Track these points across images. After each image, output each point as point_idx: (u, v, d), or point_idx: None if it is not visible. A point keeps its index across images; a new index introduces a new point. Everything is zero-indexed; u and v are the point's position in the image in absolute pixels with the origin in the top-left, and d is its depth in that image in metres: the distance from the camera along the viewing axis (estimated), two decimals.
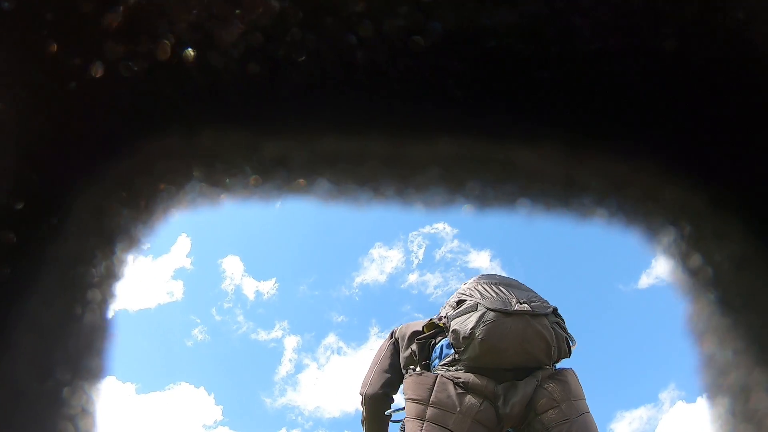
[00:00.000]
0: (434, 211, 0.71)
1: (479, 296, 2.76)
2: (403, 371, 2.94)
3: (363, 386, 3.02)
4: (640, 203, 0.69)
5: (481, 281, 2.91)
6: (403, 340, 3.02)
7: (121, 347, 0.68)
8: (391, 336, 3.11)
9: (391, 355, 3.03)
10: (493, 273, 3.05)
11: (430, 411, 2.55)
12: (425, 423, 2.53)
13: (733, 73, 0.59)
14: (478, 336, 2.60)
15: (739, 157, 0.62)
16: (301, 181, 0.71)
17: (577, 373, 2.76)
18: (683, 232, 0.68)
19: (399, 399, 2.97)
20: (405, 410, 2.67)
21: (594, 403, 2.75)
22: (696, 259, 0.68)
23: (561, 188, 0.69)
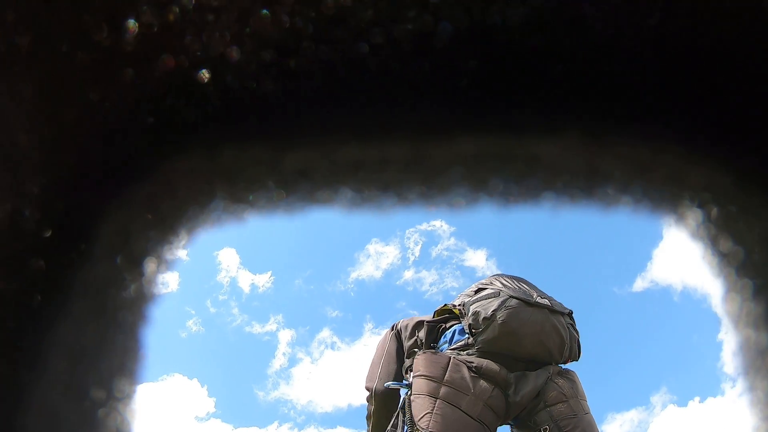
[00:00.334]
0: (459, 212, 0.71)
1: (501, 285, 2.77)
2: (406, 360, 2.89)
3: (370, 380, 2.95)
4: (665, 187, 0.69)
5: (500, 276, 2.91)
6: (405, 330, 2.98)
7: None
8: (393, 328, 3.06)
9: (396, 346, 2.98)
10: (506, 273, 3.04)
11: (444, 389, 2.50)
12: (438, 401, 2.48)
13: (755, 49, 0.59)
14: (499, 318, 2.59)
15: (763, 132, 0.62)
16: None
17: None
18: (711, 214, 0.67)
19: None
20: (413, 387, 2.59)
21: None
22: (726, 241, 0.67)
23: (584, 179, 0.69)
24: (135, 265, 0.67)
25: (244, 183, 0.71)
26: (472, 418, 2.46)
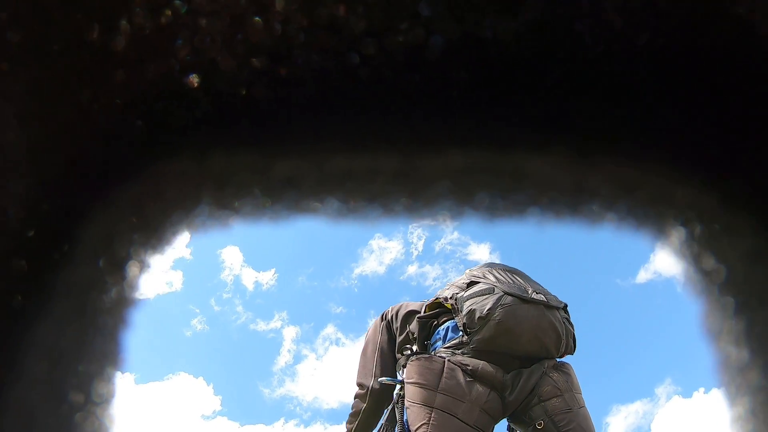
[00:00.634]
0: (443, 226, 0.71)
1: (494, 280, 2.72)
2: (398, 355, 2.85)
3: (364, 377, 2.87)
4: (650, 206, 0.69)
5: (493, 267, 2.86)
6: (396, 320, 2.92)
7: None
8: (383, 318, 3.00)
9: (388, 339, 2.92)
10: (500, 262, 2.99)
11: (439, 398, 2.46)
12: (434, 410, 2.44)
13: (740, 69, 0.60)
14: (495, 317, 2.55)
15: (748, 152, 0.63)
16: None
17: (573, 368, 2.76)
18: (694, 233, 0.68)
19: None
20: (406, 393, 2.54)
21: (590, 396, 2.77)
22: (709, 259, 0.68)
23: (570, 195, 0.69)
24: (117, 269, 0.67)
25: (231, 189, 0.70)
26: (468, 425, 2.44)
